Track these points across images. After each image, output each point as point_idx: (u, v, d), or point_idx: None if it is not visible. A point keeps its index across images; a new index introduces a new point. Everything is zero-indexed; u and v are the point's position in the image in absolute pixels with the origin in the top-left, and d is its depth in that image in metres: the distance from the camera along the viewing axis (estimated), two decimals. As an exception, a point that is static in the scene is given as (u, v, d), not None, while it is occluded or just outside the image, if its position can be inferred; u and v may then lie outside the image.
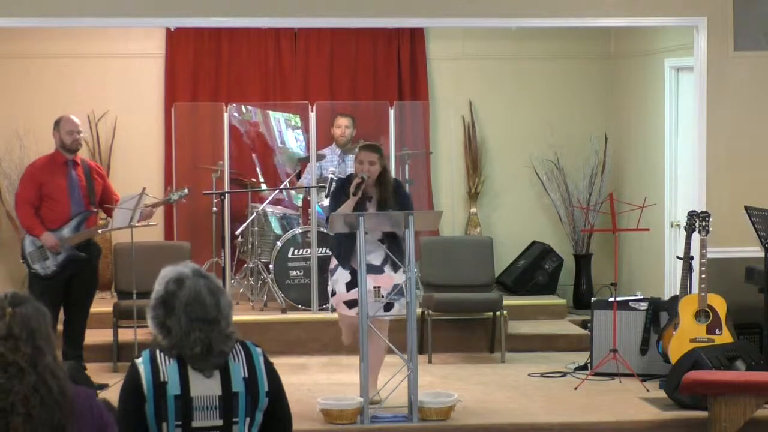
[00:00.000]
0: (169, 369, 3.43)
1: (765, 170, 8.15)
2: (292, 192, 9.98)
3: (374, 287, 6.91)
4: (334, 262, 7.16)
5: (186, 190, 8.11)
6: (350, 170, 9.63)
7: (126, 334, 8.13)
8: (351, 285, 6.95)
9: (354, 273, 6.90)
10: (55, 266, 7.65)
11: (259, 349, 3.57)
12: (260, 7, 7.96)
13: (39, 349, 2.99)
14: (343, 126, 9.69)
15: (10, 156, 9.71)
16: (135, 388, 3.43)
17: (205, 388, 3.44)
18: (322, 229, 9.10)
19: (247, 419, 3.47)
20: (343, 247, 7.00)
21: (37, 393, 2.95)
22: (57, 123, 7.81)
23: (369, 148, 7.15)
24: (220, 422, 3.44)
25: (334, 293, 7.13)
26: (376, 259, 6.97)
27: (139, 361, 3.48)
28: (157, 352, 3.47)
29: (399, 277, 6.93)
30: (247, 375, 3.48)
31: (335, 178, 9.29)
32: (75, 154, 7.81)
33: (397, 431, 6.60)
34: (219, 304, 3.45)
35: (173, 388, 3.42)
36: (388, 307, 6.99)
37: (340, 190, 7.11)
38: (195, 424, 3.43)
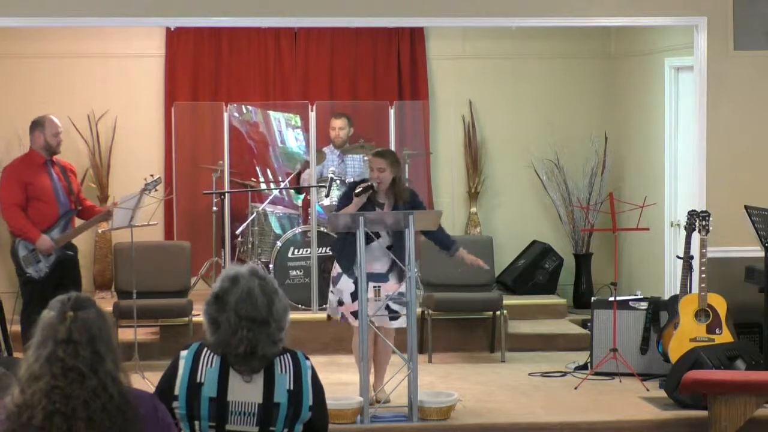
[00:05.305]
0: (209, 370, 3.41)
1: (765, 170, 8.15)
2: (292, 192, 9.98)
3: (374, 287, 6.89)
4: (337, 269, 7.06)
5: (159, 177, 8.01)
6: (349, 169, 9.66)
7: (126, 334, 8.12)
8: (356, 296, 6.82)
9: (357, 282, 6.77)
10: (47, 268, 7.59)
11: (308, 363, 3.53)
12: (260, 7, 7.96)
13: (99, 354, 2.96)
14: (336, 128, 9.70)
15: (9, 156, 9.66)
16: (168, 385, 3.44)
17: (245, 394, 3.41)
18: (322, 229, 9.10)
19: (285, 430, 3.45)
20: (346, 251, 6.91)
21: (98, 398, 2.92)
22: (40, 124, 7.69)
23: (379, 154, 7.06)
24: (255, 429, 3.42)
25: (341, 303, 7.03)
26: (382, 267, 6.95)
27: (183, 354, 3.47)
28: (204, 348, 3.46)
29: (403, 286, 6.83)
30: (292, 387, 3.45)
31: (335, 178, 9.31)
32: (52, 155, 7.76)
33: (397, 431, 6.60)
34: (271, 306, 3.41)
35: (209, 390, 3.40)
36: (393, 317, 6.98)
37: (350, 193, 7.02)
38: (229, 427, 3.41)
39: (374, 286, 6.89)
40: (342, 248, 7.00)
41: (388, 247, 6.94)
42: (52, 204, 7.65)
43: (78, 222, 7.88)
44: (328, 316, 7.30)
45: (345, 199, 7.07)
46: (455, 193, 10.49)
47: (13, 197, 7.58)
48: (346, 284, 6.98)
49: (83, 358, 2.94)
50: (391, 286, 6.95)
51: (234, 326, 3.37)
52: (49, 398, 2.91)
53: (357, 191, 6.91)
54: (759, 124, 8.18)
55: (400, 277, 6.90)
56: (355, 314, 6.90)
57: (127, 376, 3.03)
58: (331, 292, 7.13)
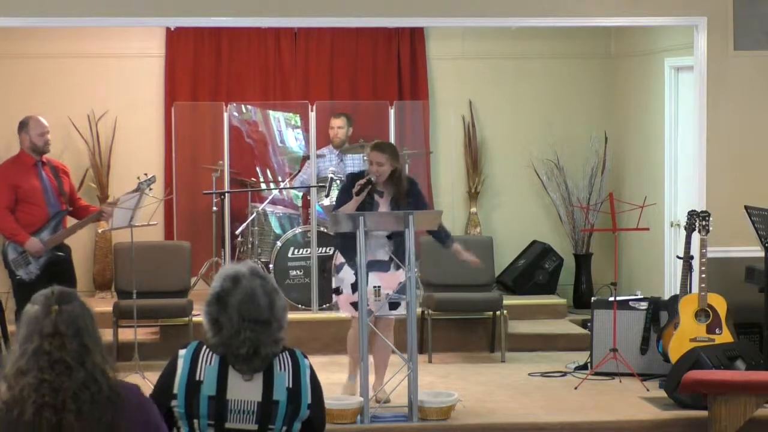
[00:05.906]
0: (208, 369, 3.41)
1: (765, 170, 8.15)
2: (292, 191, 9.98)
3: (374, 287, 6.88)
4: (340, 258, 7.07)
5: (153, 175, 7.99)
6: (349, 169, 9.65)
7: (126, 334, 8.13)
8: (356, 287, 6.81)
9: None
10: (37, 270, 7.54)
11: (307, 362, 3.54)
12: (260, 7, 7.96)
13: (86, 347, 2.96)
14: (335, 127, 9.70)
15: (9, 156, 9.69)
16: (167, 384, 3.43)
17: (244, 392, 3.41)
18: (322, 229, 9.10)
19: (284, 428, 3.45)
20: (349, 241, 6.86)
21: (87, 390, 2.92)
22: (25, 124, 7.62)
23: (378, 148, 7.03)
24: (254, 427, 3.42)
25: (339, 291, 7.08)
26: (384, 255, 6.95)
27: (182, 353, 3.46)
28: (203, 347, 3.45)
29: (404, 276, 6.83)
30: (291, 386, 3.46)
31: (335, 178, 9.30)
32: (42, 155, 7.73)
33: (397, 431, 6.60)
34: (273, 306, 3.42)
35: (208, 389, 3.40)
36: (393, 306, 6.97)
37: (349, 187, 7.00)
38: (228, 425, 3.41)
39: (374, 287, 6.88)
40: (344, 241, 6.98)
41: (388, 237, 6.94)
42: (42, 206, 7.59)
43: (71, 222, 7.85)
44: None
45: (344, 194, 7.05)
46: (455, 193, 10.49)
47: (2, 200, 7.52)
48: (347, 274, 6.98)
49: (70, 351, 2.94)
50: (392, 276, 6.94)
51: (237, 327, 3.37)
52: (38, 392, 2.90)
53: (355, 190, 6.91)
54: (759, 123, 8.18)
55: (400, 266, 6.89)
56: (354, 305, 6.91)
57: (114, 368, 3.03)
58: (333, 279, 7.15)
